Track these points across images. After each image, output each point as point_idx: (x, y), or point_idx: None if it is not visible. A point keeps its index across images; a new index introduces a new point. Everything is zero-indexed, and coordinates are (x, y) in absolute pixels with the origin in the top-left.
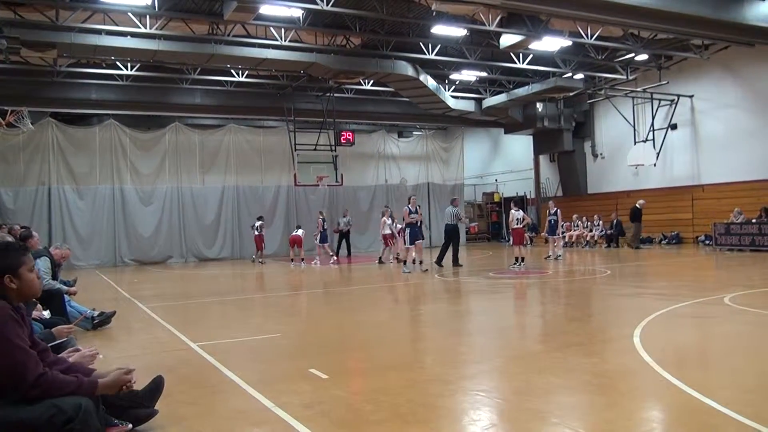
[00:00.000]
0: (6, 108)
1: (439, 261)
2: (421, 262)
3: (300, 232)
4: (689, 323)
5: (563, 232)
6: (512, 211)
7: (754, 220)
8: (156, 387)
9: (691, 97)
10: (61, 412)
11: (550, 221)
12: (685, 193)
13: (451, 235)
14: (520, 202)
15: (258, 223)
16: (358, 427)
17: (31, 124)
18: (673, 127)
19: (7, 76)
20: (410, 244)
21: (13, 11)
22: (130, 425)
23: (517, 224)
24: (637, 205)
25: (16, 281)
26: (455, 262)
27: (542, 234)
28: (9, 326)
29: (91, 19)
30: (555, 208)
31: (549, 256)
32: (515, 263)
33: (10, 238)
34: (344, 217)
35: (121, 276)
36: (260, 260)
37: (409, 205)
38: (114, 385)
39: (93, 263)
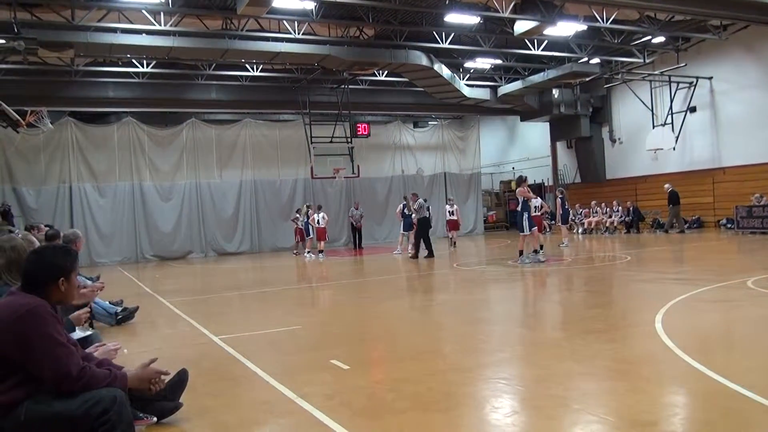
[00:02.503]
0: (26, 108)
1: (430, 253)
2: (536, 251)
3: (323, 222)
4: (712, 308)
5: (574, 218)
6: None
7: None
8: (180, 380)
9: (710, 78)
10: (97, 404)
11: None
12: (705, 176)
13: (425, 227)
14: (538, 189)
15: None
16: (381, 416)
17: (51, 123)
18: (692, 110)
19: (25, 76)
20: (529, 231)
21: (30, 12)
22: (155, 418)
23: (536, 212)
24: (674, 190)
25: (65, 285)
26: (431, 252)
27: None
28: (51, 323)
29: (107, 17)
30: (559, 196)
31: (562, 243)
32: (534, 251)
33: (35, 240)
34: (356, 209)
35: (143, 272)
36: (295, 252)
37: (525, 187)
38: (145, 378)
39: (115, 260)
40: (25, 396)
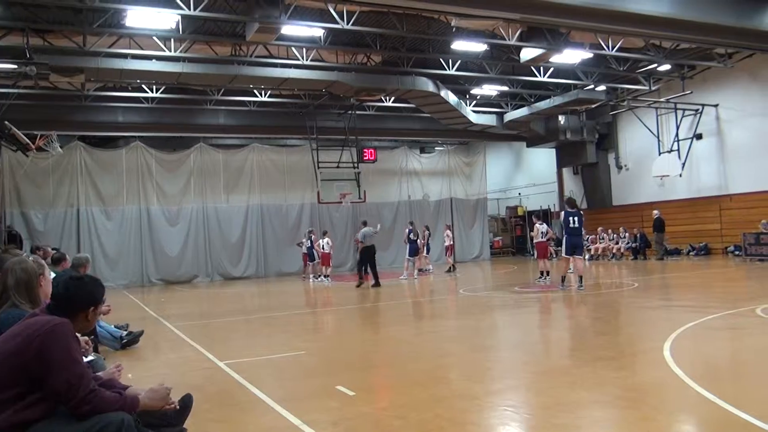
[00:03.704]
0: (35, 132)
1: (359, 284)
2: (541, 274)
3: (327, 248)
4: (720, 335)
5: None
6: (536, 224)
7: None
8: (184, 405)
9: (716, 106)
10: (105, 427)
11: None
12: (712, 203)
13: (369, 255)
14: (543, 215)
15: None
16: None
17: (60, 147)
18: (699, 137)
19: (36, 101)
20: (567, 254)
21: (43, 38)
22: None
23: (542, 238)
24: (660, 217)
25: (92, 315)
26: (360, 280)
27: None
28: (73, 343)
29: (117, 43)
30: None
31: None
32: (540, 277)
33: (44, 263)
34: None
35: (149, 295)
36: (303, 276)
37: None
38: (157, 401)
39: (121, 283)
40: (39, 416)
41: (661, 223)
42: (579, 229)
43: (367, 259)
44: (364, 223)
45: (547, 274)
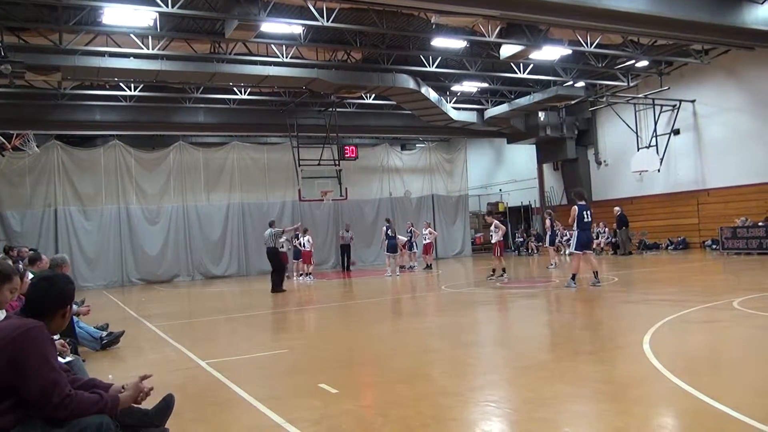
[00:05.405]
0: (11, 131)
1: (278, 287)
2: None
3: (308, 246)
4: (699, 328)
5: (561, 240)
6: (497, 222)
7: (761, 224)
8: (166, 405)
9: (693, 101)
10: (83, 430)
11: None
12: (690, 197)
13: (272, 258)
14: (524, 211)
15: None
16: None
17: (37, 147)
18: (676, 132)
19: (12, 100)
20: (577, 250)
21: (18, 36)
22: None
23: (501, 237)
24: (623, 213)
25: (67, 314)
26: (277, 286)
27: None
28: (48, 346)
29: (94, 41)
30: (548, 218)
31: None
32: (501, 274)
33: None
34: (347, 231)
35: (129, 295)
36: (287, 275)
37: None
38: (135, 395)
39: (100, 283)
40: (14, 423)
41: (624, 219)
42: (590, 224)
43: (270, 260)
44: (270, 224)
45: (494, 272)
